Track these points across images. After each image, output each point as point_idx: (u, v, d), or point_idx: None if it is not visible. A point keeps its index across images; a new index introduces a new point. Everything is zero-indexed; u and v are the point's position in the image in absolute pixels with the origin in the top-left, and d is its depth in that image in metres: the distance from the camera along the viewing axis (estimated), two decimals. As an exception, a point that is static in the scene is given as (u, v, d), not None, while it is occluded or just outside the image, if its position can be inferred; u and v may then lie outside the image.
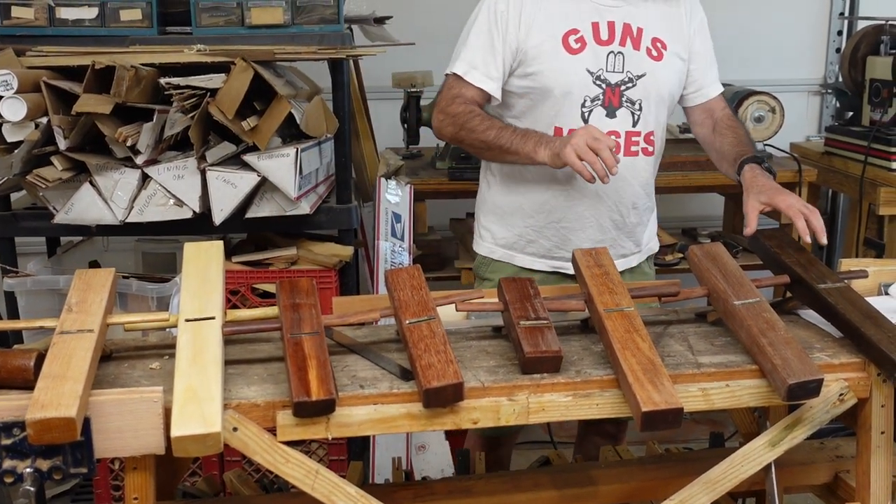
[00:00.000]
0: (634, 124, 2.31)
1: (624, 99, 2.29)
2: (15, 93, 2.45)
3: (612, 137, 2.20)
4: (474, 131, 2.27)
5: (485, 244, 2.49)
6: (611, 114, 2.29)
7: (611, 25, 2.28)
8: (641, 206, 2.41)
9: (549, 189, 2.34)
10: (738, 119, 2.44)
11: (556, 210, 2.36)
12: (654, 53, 2.31)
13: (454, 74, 2.32)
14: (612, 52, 2.28)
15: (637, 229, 2.44)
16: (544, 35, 2.26)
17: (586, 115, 2.28)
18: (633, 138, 2.32)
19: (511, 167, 2.38)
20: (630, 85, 2.29)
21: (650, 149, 2.36)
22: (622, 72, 2.28)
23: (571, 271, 2.33)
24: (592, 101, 2.27)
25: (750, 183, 2.13)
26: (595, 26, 2.28)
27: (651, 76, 2.30)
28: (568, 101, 2.27)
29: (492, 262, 2.48)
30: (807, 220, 2.00)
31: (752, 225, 2.05)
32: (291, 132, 2.76)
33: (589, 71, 2.26)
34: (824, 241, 1.93)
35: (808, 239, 1.93)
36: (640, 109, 2.31)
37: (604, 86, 2.28)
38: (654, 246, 2.59)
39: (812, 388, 1.55)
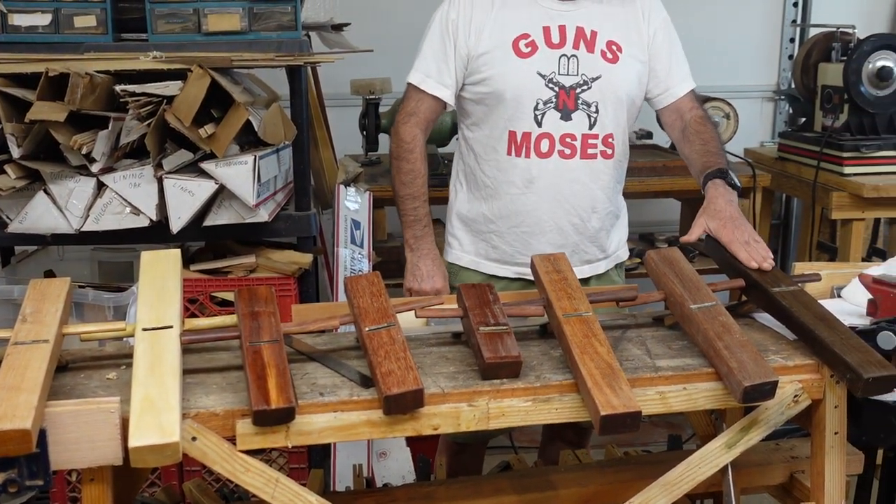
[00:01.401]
0: (591, 126, 2.32)
1: (580, 101, 2.30)
2: (-33, 100, 2.41)
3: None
4: (399, 171, 2.37)
5: (453, 252, 2.50)
6: (566, 116, 2.30)
7: (562, 29, 2.30)
8: (602, 210, 2.41)
9: (508, 194, 2.35)
10: (708, 120, 2.41)
11: (516, 215, 2.37)
12: (610, 56, 2.32)
13: (410, 84, 2.35)
14: (564, 55, 2.29)
15: (600, 234, 2.44)
16: (494, 41, 2.28)
17: (539, 117, 2.29)
18: (591, 140, 2.32)
19: (474, 176, 2.40)
20: (585, 87, 2.30)
21: (609, 151, 2.36)
22: (577, 74, 2.29)
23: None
24: (545, 103, 2.28)
25: (710, 203, 2.09)
26: (546, 30, 2.29)
27: (606, 79, 2.31)
28: (520, 105, 2.28)
29: (460, 270, 2.48)
30: (749, 251, 1.96)
31: (691, 237, 2.04)
32: (249, 139, 2.75)
33: (540, 74, 2.28)
34: (767, 267, 1.91)
35: (753, 265, 1.92)
36: (597, 112, 2.31)
37: (557, 88, 2.29)
38: (623, 254, 2.58)
39: (767, 391, 1.57)
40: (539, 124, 2.29)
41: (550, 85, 2.28)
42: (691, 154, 2.32)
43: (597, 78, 2.30)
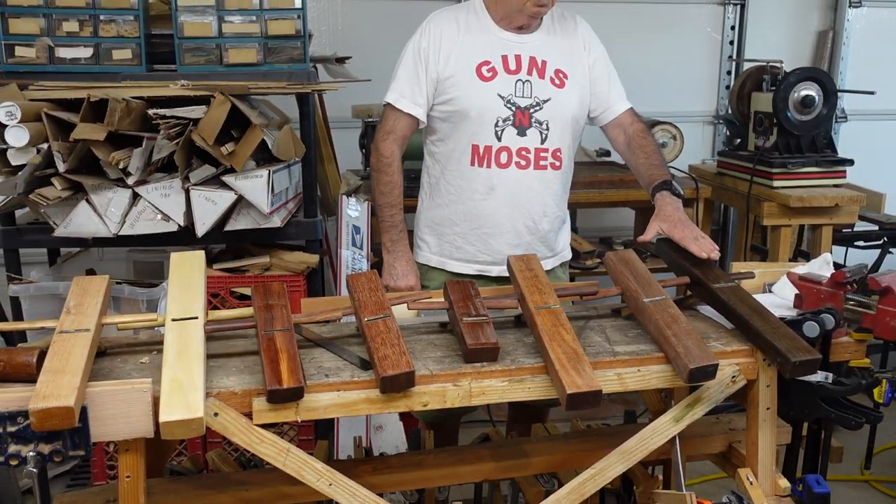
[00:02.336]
0: (543, 142, 2.32)
1: (533, 120, 2.30)
2: (18, 122, 2.40)
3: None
4: (378, 183, 2.36)
5: (422, 254, 2.48)
6: (521, 132, 2.30)
7: (518, 58, 2.30)
8: (552, 214, 2.40)
9: (471, 199, 2.34)
10: (648, 133, 2.41)
11: (478, 218, 2.35)
12: (557, 82, 2.32)
13: (388, 103, 2.34)
14: (520, 80, 2.29)
15: (549, 236, 2.43)
16: (460, 66, 2.28)
17: (499, 133, 2.28)
18: (542, 154, 2.32)
19: (439, 186, 2.39)
20: (537, 108, 2.30)
21: (557, 164, 2.36)
22: (530, 97, 2.30)
23: (493, 274, 2.37)
24: (504, 121, 2.28)
25: (658, 210, 2.13)
26: (504, 58, 2.30)
27: (555, 101, 2.31)
28: (482, 122, 2.28)
29: (429, 270, 2.46)
30: (699, 245, 1.99)
31: (647, 237, 2.08)
32: (264, 156, 2.73)
33: (500, 95, 2.27)
34: (715, 256, 1.94)
35: (704, 256, 1.95)
36: (548, 129, 2.31)
37: (514, 108, 2.28)
38: (567, 254, 2.57)
39: (709, 372, 1.57)
40: (499, 139, 2.29)
41: (508, 105, 2.28)
42: (637, 166, 2.34)
43: (547, 100, 2.30)
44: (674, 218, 2.07)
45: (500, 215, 2.34)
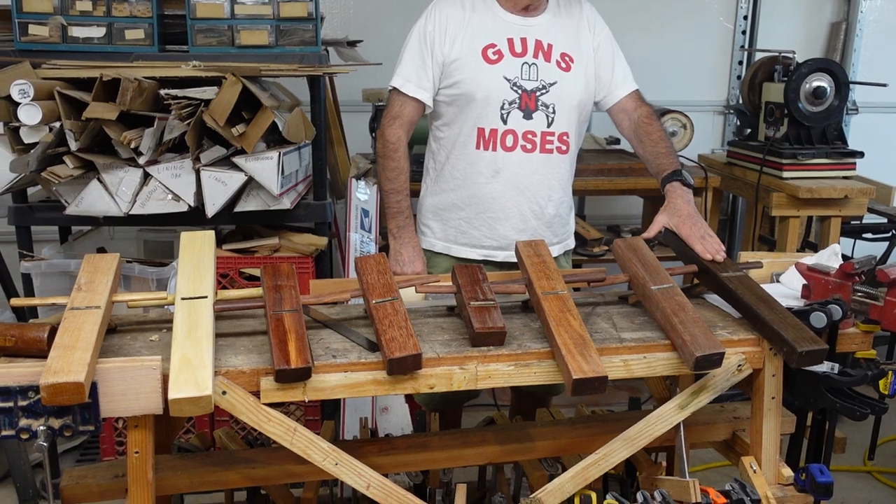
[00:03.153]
0: (549, 125, 2.30)
1: (539, 103, 2.28)
2: (31, 100, 2.40)
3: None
4: (384, 169, 2.33)
5: (426, 239, 2.46)
6: (527, 116, 2.28)
7: (524, 41, 2.29)
8: (557, 199, 2.39)
9: (475, 183, 2.33)
10: (654, 119, 2.35)
11: (483, 202, 2.34)
12: (563, 65, 2.31)
13: (394, 88, 2.32)
14: (525, 63, 2.28)
15: (555, 221, 2.42)
16: (466, 49, 2.26)
17: (505, 116, 2.27)
18: (548, 137, 2.31)
19: (444, 170, 2.38)
20: (544, 91, 2.28)
21: (564, 148, 2.34)
22: (536, 80, 2.28)
23: (499, 259, 2.36)
24: (510, 104, 2.27)
25: (670, 203, 2.10)
26: (510, 41, 2.28)
27: (561, 84, 2.30)
28: (488, 105, 2.26)
29: (433, 255, 2.45)
30: (703, 245, 1.97)
31: (650, 233, 2.06)
32: (274, 138, 2.73)
33: (506, 78, 2.26)
34: (720, 258, 1.92)
35: (707, 257, 1.92)
36: (554, 112, 2.30)
37: (520, 91, 2.27)
38: (571, 243, 2.56)
39: (715, 360, 1.57)
40: (504, 122, 2.27)
41: (514, 88, 2.27)
42: (645, 154, 2.31)
43: (553, 83, 2.29)
44: (683, 213, 2.05)
45: (505, 199, 2.33)
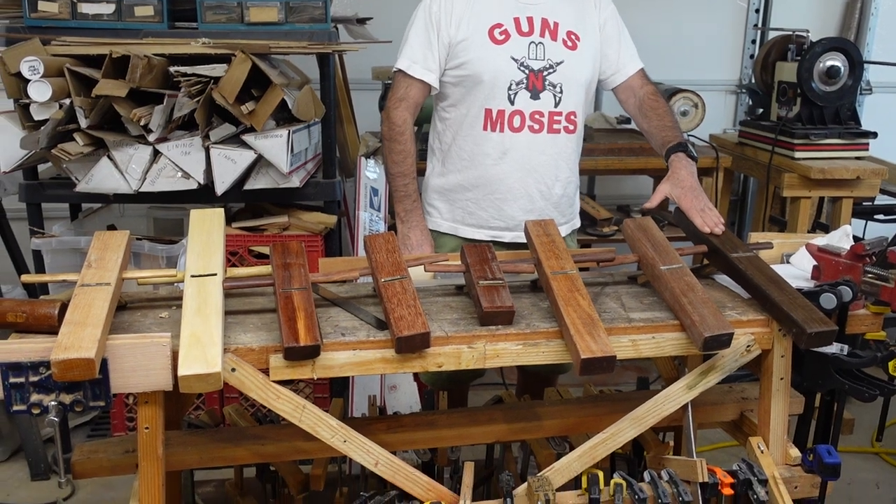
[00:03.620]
0: (556, 105, 2.28)
1: (546, 83, 2.26)
2: (41, 77, 2.40)
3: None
4: (391, 152, 2.32)
5: (432, 220, 2.45)
6: (534, 96, 2.27)
7: (530, 20, 2.27)
8: (564, 178, 2.38)
9: (483, 164, 2.31)
10: (659, 96, 2.36)
11: (490, 183, 2.33)
12: (570, 44, 2.29)
13: (398, 70, 2.30)
14: (532, 42, 2.26)
15: (562, 201, 2.41)
16: (472, 29, 2.24)
17: (512, 96, 2.26)
18: (556, 117, 2.29)
19: (450, 151, 2.36)
20: (551, 71, 2.26)
21: (571, 127, 2.33)
22: (543, 59, 2.26)
23: (507, 240, 2.35)
24: (517, 84, 2.25)
25: (673, 173, 2.10)
26: (517, 20, 2.26)
27: (568, 63, 2.28)
28: (495, 86, 2.24)
29: (440, 236, 2.44)
30: (703, 217, 1.98)
31: (652, 202, 2.06)
32: (284, 116, 2.73)
33: (513, 58, 2.24)
34: (718, 231, 1.92)
35: (706, 230, 1.93)
36: (562, 92, 2.28)
37: (527, 71, 2.25)
38: (577, 223, 2.55)
39: (724, 341, 1.57)
40: (512, 102, 2.26)
41: (522, 68, 2.25)
42: (650, 129, 2.31)
43: (560, 62, 2.27)
44: (686, 184, 2.05)
45: (512, 180, 2.32)
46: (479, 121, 2.29)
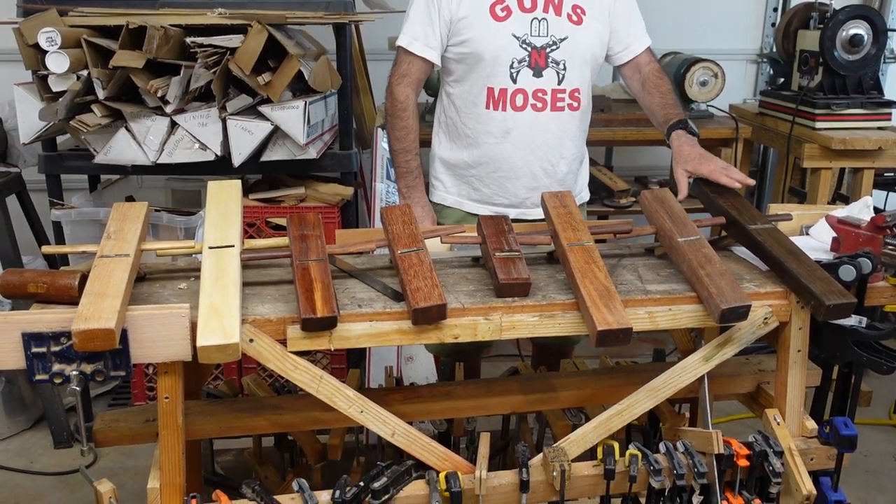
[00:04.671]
0: (560, 82, 2.26)
1: (549, 60, 2.24)
2: (59, 48, 2.40)
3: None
4: (393, 128, 2.32)
5: (437, 193, 2.45)
6: (537, 73, 2.24)
7: None
8: (570, 156, 2.36)
9: (486, 143, 2.31)
10: (663, 74, 2.36)
11: (494, 161, 2.32)
12: (575, 19, 2.26)
13: (400, 46, 2.29)
14: (535, 18, 2.23)
15: (568, 178, 2.39)
16: (473, 6, 2.22)
17: (514, 75, 2.23)
18: (559, 95, 2.27)
19: (455, 127, 2.35)
20: (554, 47, 2.24)
21: (575, 104, 2.31)
22: (546, 36, 2.23)
23: (512, 216, 2.30)
24: (520, 62, 2.23)
25: (677, 152, 2.09)
26: None
27: (572, 39, 2.25)
28: (497, 64, 2.22)
29: (444, 209, 2.45)
30: (728, 175, 1.98)
31: (683, 191, 2.03)
32: (300, 87, 2.72)
33: (515, 36, 2.22)
34: (750, 182, 1.93)
35: (737, 186, 1.94)
36: (565, 69, 2.26)
37: (529, 49, 2.22)
38: (585, 195, 2.53)
39: (741, 313, 1.56)
40: (514, 81, 2.24)
41: (524, 45, 2.22)
42: (652, 105, 2.30)
43: (564, 39, 2.24)
44: (694, 155, 2.04)
45: (516, 158, 2.31)
46: (481, 99, 2.27)
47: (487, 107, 2.27)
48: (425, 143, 2.51)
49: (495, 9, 2.22)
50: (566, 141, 2.34)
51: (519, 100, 2.25)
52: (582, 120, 2.38)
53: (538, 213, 2.33)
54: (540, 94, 2.25)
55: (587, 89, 2.35)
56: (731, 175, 1.96)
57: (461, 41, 2.24)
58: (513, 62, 2.23)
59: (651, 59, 2.38)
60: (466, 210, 2.41)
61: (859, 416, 2.61)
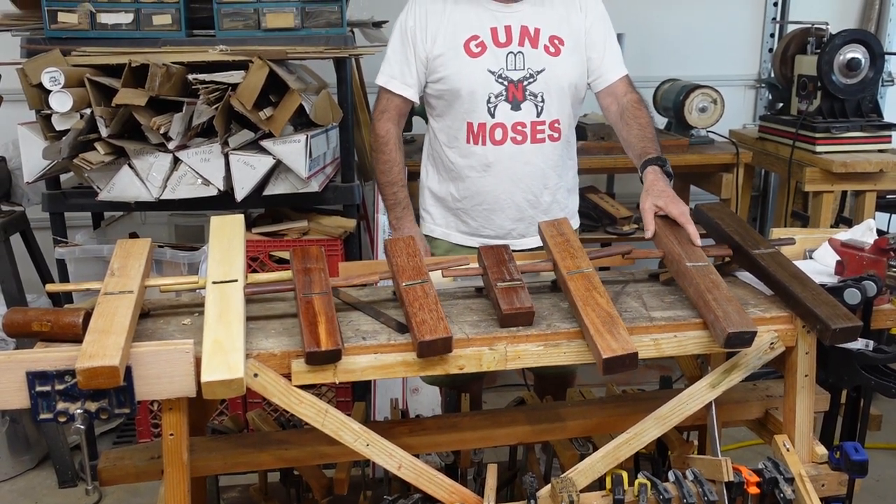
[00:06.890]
0: (538, 114, 2.26)
1: (527, 93, 2.24)
2: (62, 87, 2.43)
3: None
4: (377, 162, 2.36)
5: (426, 225, 2.46)
6: (515, 107, 2.24)
7: (508, 29, 2.24)
8: (553, 185, 2.35)
9: (469, 177, 2.31)
10: (643, 106, 2.29)
11: (478, 195, 2.33)
12: (552, 50, 2.26)
13: (379, 84, 2.33)
14: (511, 52, 2.23)
15: (553, 207, 2.38)
16: (448, 44, 2.23)
17: (492, 109, 2.24)
18: (539, 127, 2.27)
19: (441, 160, 2.37)
20: (531, 80, 2.24)
21: (556, 135, 2.30)
22: (523, 69, 2.23)
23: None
24: (496, 97, 2.23)
25: (650, 186, 2.01)
26: (493, 31, 2.23)
27: (550, 71, 2.25)
28: (474, 99, 2.23)
29: (432, 240, 2.45)
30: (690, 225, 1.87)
31: (649, 227, 1.91)
32: (302, 121, 2.74)
33: (490, 71, 2.22)
34: (698, 243, 1.82)
35: (698, 243, 1.82)
36: (543, 101, 2.25)
37: (506, 83, 2.23)
38: (575, 223, 2.48)
39: (747, 338, 1.55)
40: (492, 115, 2.24)
41: (500, 80, 2.22)
42: (629, 137, 2.22)
43: (541, 71, 2.24)
44: (667, 194, 1.96)
45: (499, 191, 2.31)
46: (462, 133, 2.29)
47: (468, 141, 2.28)
48: (415, 175, 2.52)
49: (469, 45, 2.23)
50: (549, 172, 2.33)
51: (498, 134, 2.26)
52: (564, 149, 2.37)
53: (524, 244, 2.34)
54: (519, 127, 2.26)
55: (568, 119, 2.34)
56: (690, 228, 1.87)
57: (438, 78, 2.26)
58: (489, 97, 2.23)
59: (629, 89, 2.34)
60: (454, 242, 2.41)
61: (870, 441, 2.58)
